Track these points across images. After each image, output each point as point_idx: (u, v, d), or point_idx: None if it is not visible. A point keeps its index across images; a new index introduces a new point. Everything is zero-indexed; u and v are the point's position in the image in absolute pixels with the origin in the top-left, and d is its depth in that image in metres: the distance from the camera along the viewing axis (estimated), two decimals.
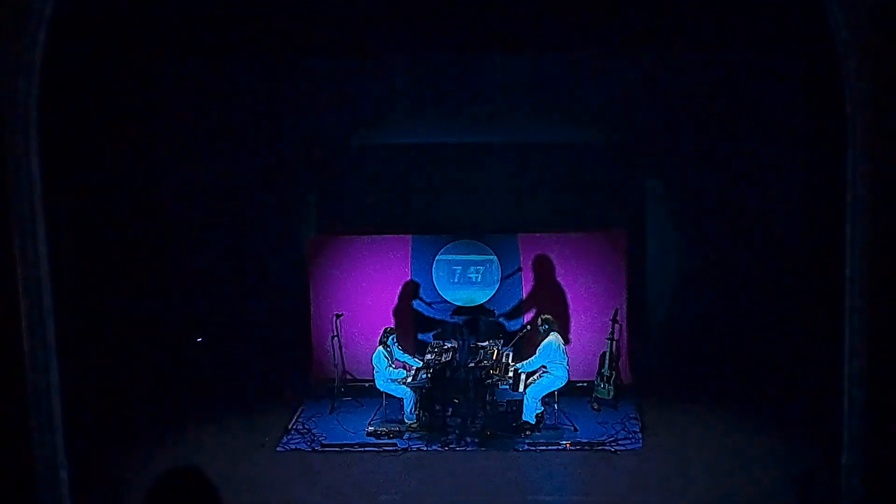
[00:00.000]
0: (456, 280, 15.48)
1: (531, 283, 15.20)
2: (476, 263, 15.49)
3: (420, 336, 15.26)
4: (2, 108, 9.58)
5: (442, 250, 15.45)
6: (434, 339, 14.85)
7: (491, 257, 15.45)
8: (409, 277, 15.39)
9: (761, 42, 14.10)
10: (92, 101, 13.73)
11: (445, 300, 15.28)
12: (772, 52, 14.34)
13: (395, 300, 15.33)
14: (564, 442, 13.30)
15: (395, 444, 13.37)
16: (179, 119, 15.21)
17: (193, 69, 14.99)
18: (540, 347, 13.66)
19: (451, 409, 13.87)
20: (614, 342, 14.39)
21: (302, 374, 15.43)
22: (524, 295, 15.23)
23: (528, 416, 13.53)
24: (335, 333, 14.66)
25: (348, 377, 14.88)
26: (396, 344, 14.24)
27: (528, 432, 13.48)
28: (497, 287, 15.37)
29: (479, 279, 15.46)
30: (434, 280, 15.43)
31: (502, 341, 14.40)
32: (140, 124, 14.75)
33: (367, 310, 15.26)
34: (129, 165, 14.52)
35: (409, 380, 13.90)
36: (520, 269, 15.04)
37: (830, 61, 10.41)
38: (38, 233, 10.24)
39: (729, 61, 14.82)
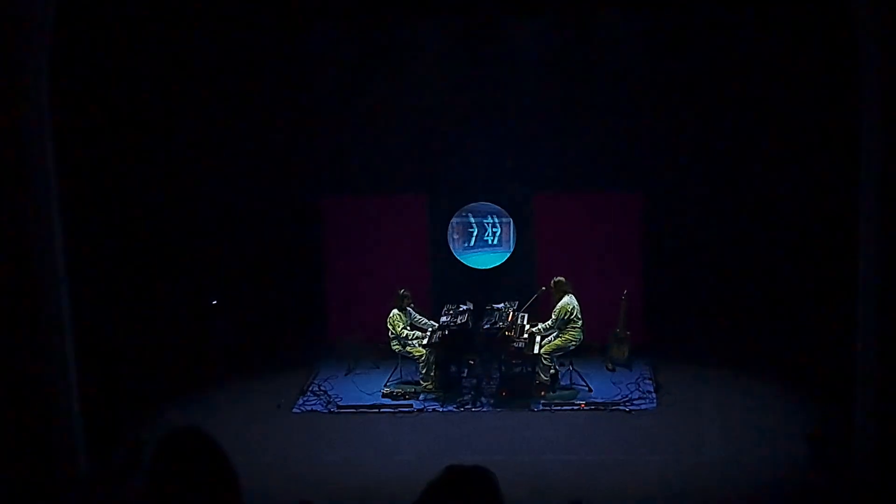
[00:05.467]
0: (472, 244, 15.48)
1: (546, 245, 15.18)
2: (492, 224, 15.47)
3: (436, 298, 15.20)
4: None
5: (458, 211, 15.44)
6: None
7: (507, 219, 15.43)
8: (426, 238, 15.38)
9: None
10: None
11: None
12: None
13: (411, 261, 15.33)
14: (579, 402, 13.35)
15: (410, 406, 13.44)
16: (193, 77, 15.08)
17: (210, 27, 14.85)
18: (555, 309, 13.66)
19: (466, 371, 13.91)
20: (627, 302, 14.39)
21: (318, 335, 15.46)
22: (538, 257, 15.21)
23: (543, 376, 13.56)
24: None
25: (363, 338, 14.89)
26: (412, 306, 14.25)
27: (542, 392, 13.51)
28: (512, 250, 15.39)
29: (495, 241, 15.46)
30: (450, 241, 15.43)
31: (517, 304, 14.36)
32: (155, 81, 14.68)
33: (382, 271, 15.23)
34: (143, 122, 14.52)
35: (425, 341, 13.93)
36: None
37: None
38: (52, 197, 10.35)
39: (751, 19, 14.63)
